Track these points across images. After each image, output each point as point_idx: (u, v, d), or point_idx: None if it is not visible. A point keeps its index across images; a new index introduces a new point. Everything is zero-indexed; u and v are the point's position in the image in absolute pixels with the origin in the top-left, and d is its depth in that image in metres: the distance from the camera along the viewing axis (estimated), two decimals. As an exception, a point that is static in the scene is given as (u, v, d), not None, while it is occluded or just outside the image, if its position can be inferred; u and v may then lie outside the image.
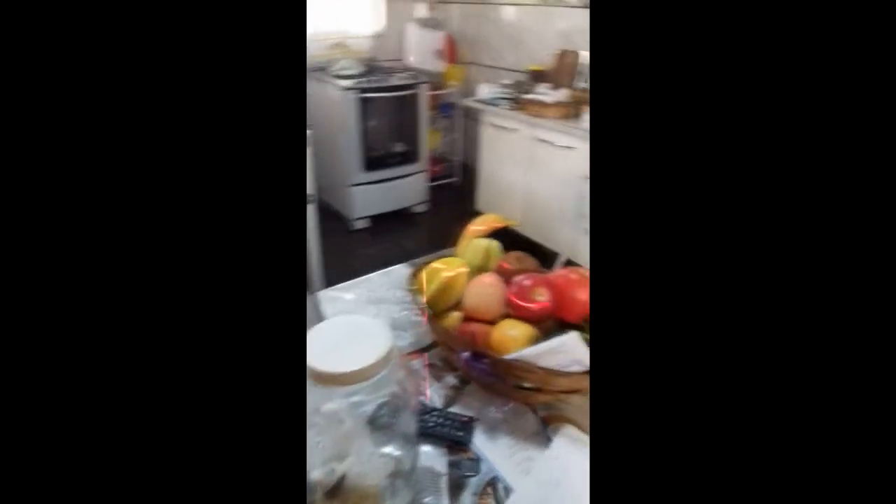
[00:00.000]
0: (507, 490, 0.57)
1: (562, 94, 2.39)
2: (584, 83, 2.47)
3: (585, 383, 0.62)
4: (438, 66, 3.35)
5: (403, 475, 0.55)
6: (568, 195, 2.30)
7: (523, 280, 0.68)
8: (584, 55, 2.51)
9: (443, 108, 3.45)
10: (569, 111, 2.36)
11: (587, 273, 0.69)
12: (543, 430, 0.64)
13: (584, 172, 2.19)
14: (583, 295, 0.67)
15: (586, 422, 0.65)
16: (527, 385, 0.63)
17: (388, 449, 0.55)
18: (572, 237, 2.31)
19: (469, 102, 2.84)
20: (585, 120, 2.25)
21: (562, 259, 0.76)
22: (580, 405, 0.67)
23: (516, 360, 0.61)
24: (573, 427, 0.64)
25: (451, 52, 3.40)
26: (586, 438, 0.63)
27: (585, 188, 2.20)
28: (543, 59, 2.72)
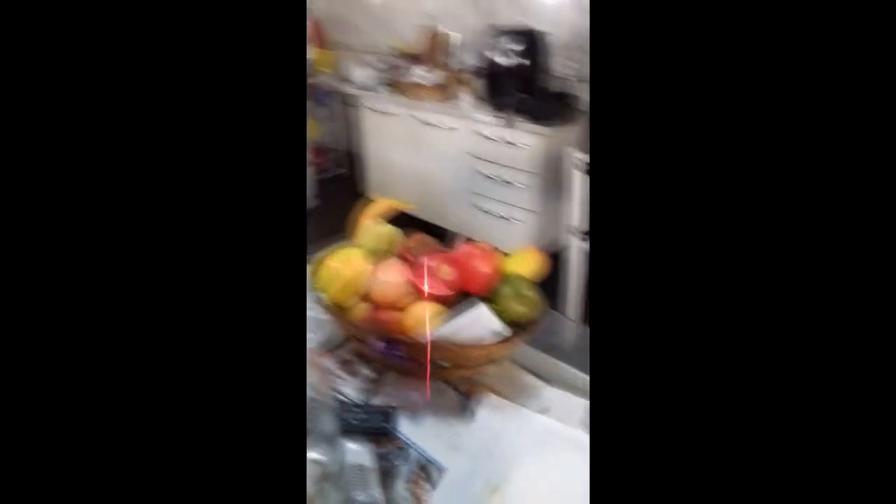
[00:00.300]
0: (440, 470, 0.57)
1: (438, 76, 2.42)
2: (457, 63, 2.51)
3: (500, 351, 0.64)
4: (307, 52, 3.20)
5: (332, 478, 0.52)
6: (456, 175, 2.34)
7: (427, 261, 0.68)
8: (455, 35, 2.54)
9: (318, 97, 3.30)
10: (447, 92, 2.39)
11: (487, 246, 0.71)
12: (466, 404, 0.66)
13: (470, 150, 2.25)
14: (485, 267, 0.68)
15: (505, 388, 0.68)
16: (445, 364, 0.63)
17: (312, 455, 0.52)
18: (467, 215, 2.36)
19: (345, 89, 2.75)
20: (463, 100, 2.30)
21: (461, 237, 0.77)
22: (497, 373, 0.69)
23: (431, 342, 0.61)
24: (494, 395, 0.66)
25: (319, 37, 3.26)
26: (508, 404, 0.65)
27: (474, 166, 2.26)
28: (413, 40, 2.71)
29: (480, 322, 0.62)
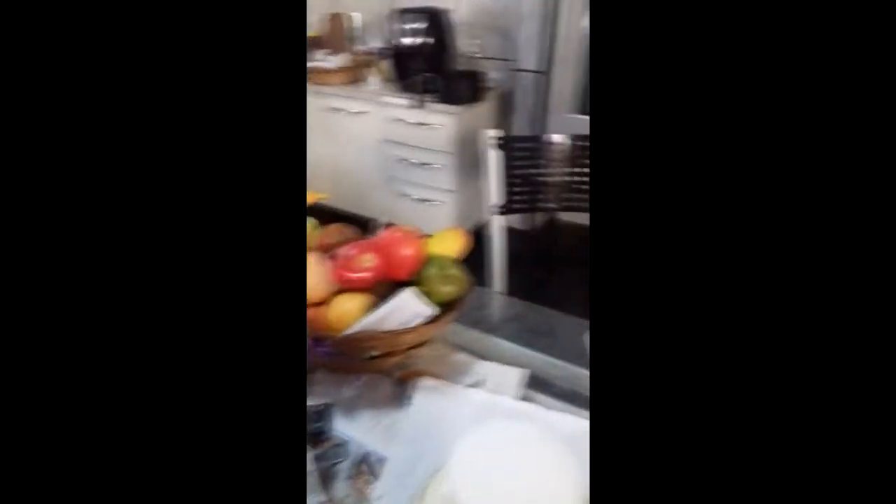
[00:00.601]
0: (381, 461, 0.56)
1: (343, 59, 2.33)
2: (361, 46, 2.44)
3: (430, 333, 0.64)
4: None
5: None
6: (372, 160, 2.29)
7: (348, 250, 0.66)
8: (357, 17, 2.46)
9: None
10: (354, 75, 2.32)
11: (408, 229, 0.70)
12: (401, 390, 0.65)
13: (383, 136, 2.20)
14: (408, 251, 0.67)
15: (438, 368, 0.67)
16: (376, 353, 0.61)
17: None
18: (386, 201, 2.33)
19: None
20: (372, 83, 2.24)
21: (381, 223, 0.75)
22: (430, 355, 0.69)
23: (360, 333, 0.59)
24: (428, 377, 0.65)
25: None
26: (443, 384, 0.65)
27: (388, 149, 2.22)
28: (314, 24, 2.59)
29: (407, 306, 0.61)
